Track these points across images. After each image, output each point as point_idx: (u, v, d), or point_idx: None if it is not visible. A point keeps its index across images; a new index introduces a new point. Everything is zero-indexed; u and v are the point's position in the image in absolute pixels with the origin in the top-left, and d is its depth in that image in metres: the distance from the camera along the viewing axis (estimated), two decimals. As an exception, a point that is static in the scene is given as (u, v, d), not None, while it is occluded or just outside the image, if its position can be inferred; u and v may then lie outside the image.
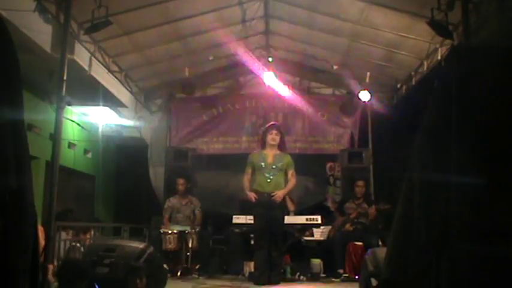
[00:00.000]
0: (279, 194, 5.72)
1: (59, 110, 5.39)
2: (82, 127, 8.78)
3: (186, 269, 6.43)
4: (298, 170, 6.12)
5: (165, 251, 6.40)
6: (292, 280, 6.14)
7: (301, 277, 6.29)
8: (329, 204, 8.70)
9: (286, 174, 5.89)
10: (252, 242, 6.59)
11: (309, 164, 8.49)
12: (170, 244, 6.48)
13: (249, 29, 7.67)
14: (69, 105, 6.08)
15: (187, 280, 6.09)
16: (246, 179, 5.94)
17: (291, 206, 7.18)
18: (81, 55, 6.31)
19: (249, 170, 5.93)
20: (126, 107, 8.30)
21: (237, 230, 7.12)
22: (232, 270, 6.76)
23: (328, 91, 9.29)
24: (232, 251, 7.00)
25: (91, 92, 7.20)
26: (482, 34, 5.22)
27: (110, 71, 7.28)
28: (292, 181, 5.87)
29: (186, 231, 6.59)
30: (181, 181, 7.28)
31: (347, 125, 8.90)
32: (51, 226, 5.07)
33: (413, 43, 6.80)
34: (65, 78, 5.40)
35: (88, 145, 9.24)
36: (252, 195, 5.77)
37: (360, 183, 6.99)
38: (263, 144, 6.03)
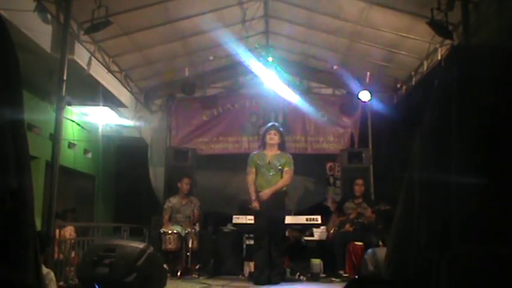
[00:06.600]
0: (265, 192, 5.70)
1: (59, 110, 5.41)
2: (82, 127, 8.76)
3: (186, 269, 6.43)
4: (298, 170, 6.10)
5: (165, 251, 6.40)
6: (292, 280, 6.14)
7: (301, 277, 6.29)
8: (329, 204, 8.70)
9: None
10: (247, 243, 6.63)
11: (309, 164, 8.49)
12: (170, 244, 6.48)
13: (249, 29, 7.67)
14: (69, 105, 6.08)
15: (187, 280, 6.09)
16: (250, 180, 5.88)
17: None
18: (81, 55, 6.30)
19: (252, 170, 5.90)
20: (126, 107, 8.29)
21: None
22: (226, 270, 6.76)
23: (328, 91, 9.28)
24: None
25: (91, 92, 7.19)
26: (482, 34, 5.22)
27: (109, 71, 7.28)
28: (284, 177, 5.82)
29: (186, 231, 6.59)
30: (186, 180, 7.24)
31: (347, 125, 8.89)
32: (52, 226, 5.08)
33: (413, 43, 6.79)
34: (65, 78, 5.42)
35: (88, 145, 9.23)
36: (255, 205, 5.74)
37: (359, 181, 6.99)
38: (263, 145, 6.04)
